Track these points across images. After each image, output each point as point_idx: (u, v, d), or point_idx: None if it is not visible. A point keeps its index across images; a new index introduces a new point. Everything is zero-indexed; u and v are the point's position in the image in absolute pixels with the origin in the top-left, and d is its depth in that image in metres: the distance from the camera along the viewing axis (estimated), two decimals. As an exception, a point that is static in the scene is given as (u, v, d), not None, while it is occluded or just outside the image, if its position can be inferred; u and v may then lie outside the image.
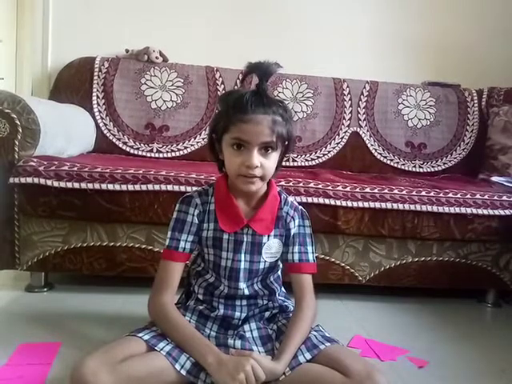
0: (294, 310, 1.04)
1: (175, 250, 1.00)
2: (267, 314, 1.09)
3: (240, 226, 1.00)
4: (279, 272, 1.12)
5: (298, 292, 1.03)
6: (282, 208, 1.04)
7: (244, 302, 1.06)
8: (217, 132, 0.98)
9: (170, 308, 0.97)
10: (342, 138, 2.16)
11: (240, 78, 2.11)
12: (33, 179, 1.35)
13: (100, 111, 2.03)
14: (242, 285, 1.03)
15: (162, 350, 0.90)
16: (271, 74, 0.95)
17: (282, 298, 1.13)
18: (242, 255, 1.02)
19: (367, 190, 1.51)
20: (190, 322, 1.01)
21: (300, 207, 1.08)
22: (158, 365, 0.88)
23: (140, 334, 0.92)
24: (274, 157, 0.97)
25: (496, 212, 1.56)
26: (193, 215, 1.01)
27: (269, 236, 1.03)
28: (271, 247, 1.04)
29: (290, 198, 1.08)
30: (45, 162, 1.38)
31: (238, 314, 1.05)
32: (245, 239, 1.02)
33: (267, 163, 0.95)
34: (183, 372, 0.89)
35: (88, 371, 0.80)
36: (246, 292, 1.04)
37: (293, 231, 1.05)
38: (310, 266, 1.05)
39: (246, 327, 1.04)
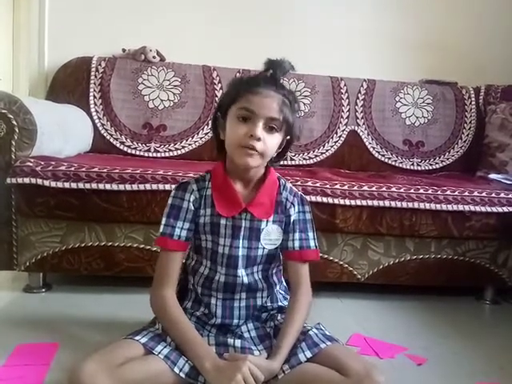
0: (289, 302, 1.03)
1: (170, 238, 0.98)
2: (265, 315, 1.08)
3: (238, 209, 0.98)
4: (281, 266, 1.11)
5: (294, 281, 1.02)
6: (281, 193, 1.03)
7: (242, 303, 1.04)
8: (223, 107, 0.97)
9: (170, 304, 0.96)
10: (339, 136, 2.16)
11: (237, 76, 2.11)
12: (30, 179, 1.34)
13: (97, 111, 2.02)
14: (241, 272, 1.01)
15: (159, 353, 0.89)
16: (286, 70, 0.96)
17: (283, 294, 1.12)
18: (240, 241, 1.00)
19: (365, 188, 1.51)
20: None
21: (300, 193, 1.07)
22: (157, 368, 0.87)
23: (137, 337, 0.91)
24: (277, 138, 0.96)
25: (494, 209, 1.56)
26: (189, 201, 0.99)
27: (267, 221, 1.01)
28: (270, 233, 1.02)
29: (289, 184, 1.07)
30: (42, 163, 1.38)
31: (236, 320, 1.03)
32: (243, 224, 1.00)
33: (269, 140, 0.94)
34: (182, 375, 0.88)
35: (85, 375, 0.79)
36: (246, 280, 1.02)
37: (293, 217, 1.03)
38: (311, 253, 1.03)
39: (244, 328, 1.03)
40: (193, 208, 1.00)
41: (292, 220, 1.03)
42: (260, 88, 0.92)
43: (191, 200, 1.00)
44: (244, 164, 0.94)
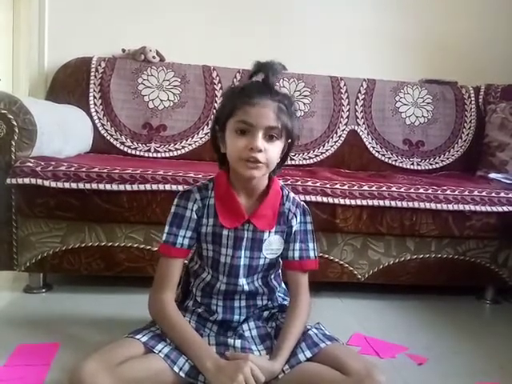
0: (288, 307, 1.03)
1: (173, 246, 0.99)
2: (266, 313, 1.09)
3: (241, 221, 0.99)
4: (279, 270, 1.12)
5: (293, 289, 1.03)
6: (284, 204, 1.03)
7: (243, 303, 1.05)
8: (220, 119, 0.97)
9: (170, 307, 0.97)
10: (339, 136, 2.16)
11: (237, 77, 2.11)
12: (30, 180, 1.34)
13: (97, 111, 2.02)
14: (242, 281, 1.02)
15: (160, 352, 0.89)
16: (277, 72, 0.96)
17: (282, 296, 1.12)
18: (242, 252, 1.01)
19: (365, 187, 1.51)
20: (189, 322, 1.00)
21: (302, 203, 1.07)
22: (157, 367, 0.88)
23: (138, 336, 0.92)
24: (278, 145, 0.95)
25: (494, 209, 1.56)
26: (191, 210, 1.00)
27: (270, 232, 1.02)
28: (272, 243, 1.02)
29: (292, 194, 1.07)
30: (42, 163, 1.38)
31: (236, 317, 1.04)
32: (245, 235, 1.00)
33: (271, 149, 0.93)
34: (182, 374, 0.88)
35: (86, 374, 0.80)
36: (246, 288, 1.03)
37: (294, 228, 1.03)
38: (310, 263, 1.04)
39: (245, 326, 1.04)
40: (195, 217, 1.00)
41: (294, 230, 1.04)
42: (255, 99, 0.91)
43: (194, 209, 1.00)
44: (249, 176, 0.94)
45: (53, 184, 1.35)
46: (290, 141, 1.00)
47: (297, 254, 1.03)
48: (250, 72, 0.98)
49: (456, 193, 1.56)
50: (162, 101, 2.07)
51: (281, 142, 0.96)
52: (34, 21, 2.16)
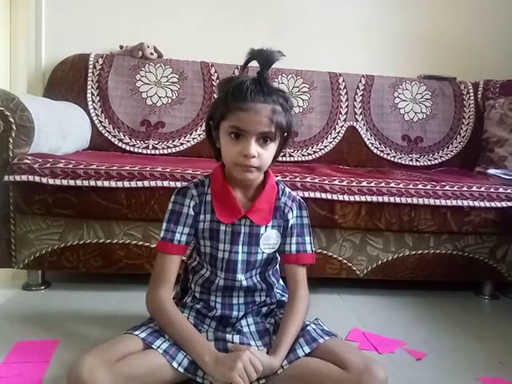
0: (287, 303, 1.03)
1: (170, 242, 0.99)
2: (264, 309, 1.09)
3: (237, 216, 0.99)
4: (277, 265, 1.12)
5: (292, 284, 1.03)
6: (280, 198, 1.03)
7: (241, 300, 1.06)
8: (214, 119, 0.96)
9: (167, 303, 0.97)
10: (338, 132, 2.16)
11: (235, 73, 2.10)
12: (28, 177, 1.34)
13: (95, 108, 2.02)
14: (240, 276, 1.02)
15: (158, 347, 0.89)
16: (273, 61, 0.93)
17: (280, 292, 1.13)
18: (240, 247, 1.01)
19: (364, 183, 1.51)
20: (188, 318, 1.00)
21: (298, 197, 1.07)
22: (156, 363, 0.88)
23: (136, 332, 0.92)
24: (272, 147, 0.95)
25: (492, 204, 1.56)
26: (189, 207, 1.00)
27: (266, 227, 1.02)
28: (269, 238, 1.03)
29: (288, 189, 1.07)
30: (39, 160, 1.37)
31: (235, 313, 1.04)
32: (242, 230, 1.01)
33: (265, 154, 0.93)
34: (180, 369, 0.89)
35: (85, 370, 0.80)
36: (245, 284, 1.03)
37: (291, 222, 1.04)
38: (307, 257, 1.04)
39: (244, 322, 1.04)
40: (193, 213, 1.00)
41: (290, 224, 1.04)
42: (248, 103, 0.89)
43: (191, 205, 1.00)
44: (243, 179, 0.96)
45: (50, 181, 1.35)
46: (286, 134, 0.99)
47: (294, 248, 1.03)
48: (245, 60, 0.95)
49: (455, 188, 1.56)
50: (160, 97, 2.06)
51: (275, 143, 0.95)
52: (31, 18, 2.16)
